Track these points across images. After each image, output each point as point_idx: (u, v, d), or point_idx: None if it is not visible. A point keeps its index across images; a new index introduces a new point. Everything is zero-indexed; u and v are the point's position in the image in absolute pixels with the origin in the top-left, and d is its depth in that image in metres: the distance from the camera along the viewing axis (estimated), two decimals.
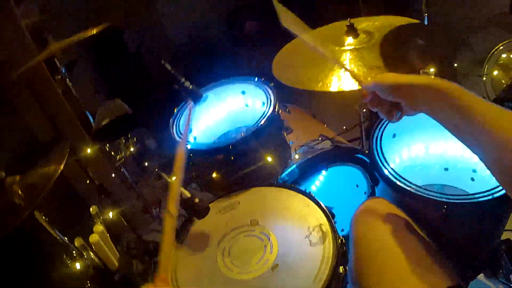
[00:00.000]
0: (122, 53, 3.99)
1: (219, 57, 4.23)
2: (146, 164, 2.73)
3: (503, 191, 1.54)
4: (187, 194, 1.57)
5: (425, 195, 1.60)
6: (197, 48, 4.33)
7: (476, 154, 1.07)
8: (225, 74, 2.23)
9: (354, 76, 1.38)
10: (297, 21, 1.40)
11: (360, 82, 1.31)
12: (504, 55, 2.97)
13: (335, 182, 2.25)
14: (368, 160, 2.06)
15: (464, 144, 1.10)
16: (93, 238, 1.61)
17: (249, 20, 4.41)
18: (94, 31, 2.03)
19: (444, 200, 1.57)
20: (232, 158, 1.81)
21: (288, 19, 1.38)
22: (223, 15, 4.47)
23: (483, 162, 1.04)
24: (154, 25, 4.19)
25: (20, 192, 1.67)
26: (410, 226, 1.51)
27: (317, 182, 2.22)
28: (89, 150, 2.28)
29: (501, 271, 1.94)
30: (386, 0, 3.74)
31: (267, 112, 1.87)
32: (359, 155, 2.08)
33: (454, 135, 1.11)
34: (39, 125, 2.48)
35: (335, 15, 2.15)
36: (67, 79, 2.26)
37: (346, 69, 1.41)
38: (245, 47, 4.30)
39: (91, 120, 2.29)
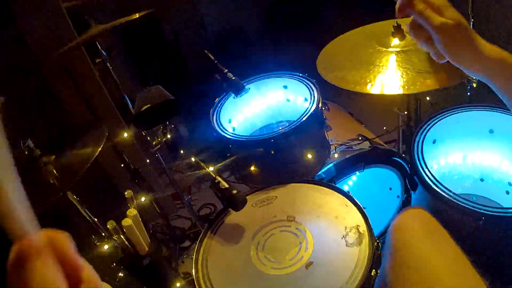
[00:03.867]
0: (159, 41, 4.00)
1: (257, 50, 4.22)
2: (182, 151, 2.74)
3: None
4: (225, 184, 1.57)
5: (464, 205, 1.59)
6: (235, 40, 4.31)
7: None
8: (263, 67, 2.21)
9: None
10: None
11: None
12: None
13: (369, 182, 2.23)
14: (405, 164, 2.04)
15: None
16: (126, 222, 1.62)
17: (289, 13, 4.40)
18: (137, 16, 2.02)
19: (483, 211, 1.55)
20: (272, 152, 1.80)
21: None
22: (263, 7, 4.44)
23: None
24: (191, 15, 4.17)
25: (54, 172, 1.68)
26: (448, 238, 1.47)
27: (350, 182, 2.20)
28: (125, 135, 2.28)
29: None
30: None
31: (310, 108, 1.84)
32: (397, 158, 2.05)
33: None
34: (76, 107, 2.49)
35: (372, 14, 2.13)
36: (108, 63, 2.26)
37: None
38: (285, 41, 4.27)
39: (130, 105, 2.29)
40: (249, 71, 2.22)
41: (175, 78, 3.73)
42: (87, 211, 1.90)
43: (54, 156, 1.75)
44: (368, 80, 1.73)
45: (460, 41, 1.05)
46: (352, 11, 3.65)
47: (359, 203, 1.56)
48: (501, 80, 1.09)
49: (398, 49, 1.86)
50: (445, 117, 1.95)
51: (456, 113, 1.96)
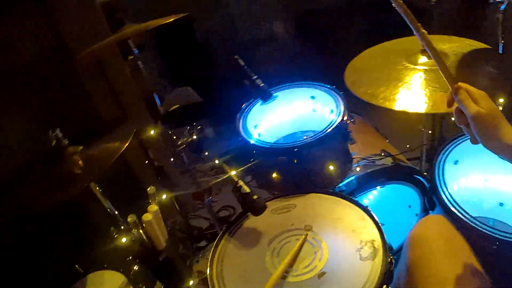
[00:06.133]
0: (191, 42, 4.02)
1: (287, 58, 4.23)
2: (207, 153, 2.76)
3: None
4: (246, 189, 1.59)
5: (480, 228, 1.59)
6: (267, 47, 4.33)
7: None
8: (291, 76, 2.23)
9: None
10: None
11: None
12: None
13: (389, 198, 2.23)
14: (426, 183, 2.05)
15: None
16: (147, 217, 1.64)
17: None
18: (171, 19, 2.04)
19: (497, 236, 1.55)
20: (295, 160, 1.82)
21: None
22: (293, 17, 4.45)
23: None
24: (224, 19, 4.20)
25: (80, 163, 1.71)
26: (467, 251, 1.49)
27: (370, 196, 2.20)
28: (152, 132, 2.30)
29: None
30: (461, 21, 3.68)
31: (336, 121, 1.86)
32: (418, 176, 2.06)
33: None
34: (105, 102, 2.52)
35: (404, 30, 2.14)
36: (139, 61, 2.29)
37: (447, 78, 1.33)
38: (314, 50, 4.28)
39: (158, 103, 2.32)
40: (277, 79, 2.24)
41: (204, 80, 3.75)
42: (109, 203, 1.94)
43: (81, 147, 1.78)
44: (396, 97, 1.74)
45: (489, 128, 1.20)
46: (381, 25, 3.65)
47: (376, 218, 1.57)
48: None
49: (426, 68, 1.87)
50: (468, 138, 1.94)
51: None
